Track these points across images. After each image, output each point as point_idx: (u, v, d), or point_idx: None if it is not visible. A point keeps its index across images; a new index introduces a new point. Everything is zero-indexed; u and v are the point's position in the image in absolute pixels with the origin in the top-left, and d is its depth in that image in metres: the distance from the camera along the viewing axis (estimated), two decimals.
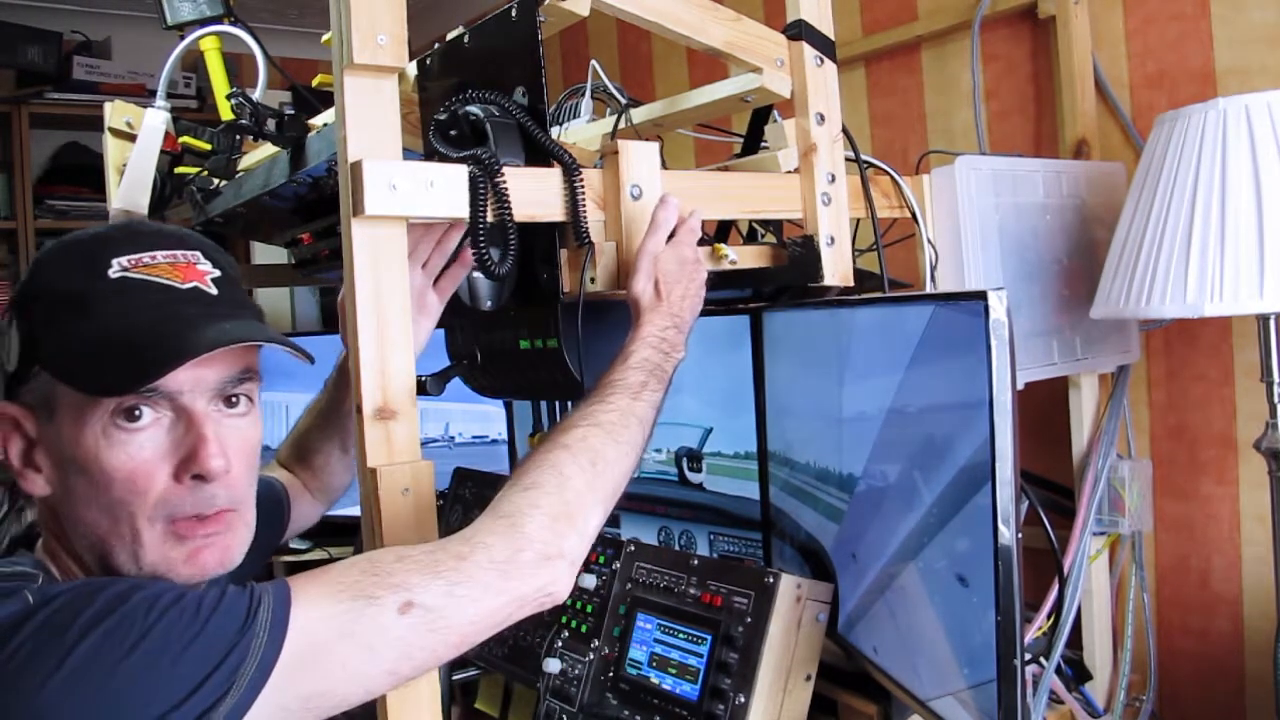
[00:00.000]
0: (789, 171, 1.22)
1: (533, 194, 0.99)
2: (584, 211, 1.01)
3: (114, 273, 0.80)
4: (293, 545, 2.74)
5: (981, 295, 0.92)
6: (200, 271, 0.84)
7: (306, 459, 1.33)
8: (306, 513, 1.32)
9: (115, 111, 1.78)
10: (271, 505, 1.22)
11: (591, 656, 1.35)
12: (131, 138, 1.67)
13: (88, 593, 0.70)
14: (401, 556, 0.79)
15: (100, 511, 0.79)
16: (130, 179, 1.58)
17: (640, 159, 1.03)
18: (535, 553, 0.82)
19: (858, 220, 1.30)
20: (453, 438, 2.34)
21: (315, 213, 1.54)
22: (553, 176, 1.01)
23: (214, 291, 0.84)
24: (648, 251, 1.02)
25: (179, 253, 0.83)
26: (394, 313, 0.90)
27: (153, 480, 0.79)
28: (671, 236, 1.05)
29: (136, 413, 0.78)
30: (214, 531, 0.82)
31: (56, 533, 0.84)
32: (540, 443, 0.92)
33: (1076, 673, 1.53)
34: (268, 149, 1.44)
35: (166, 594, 0.71)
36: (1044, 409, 1.61)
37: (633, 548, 1.40)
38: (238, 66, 1.89)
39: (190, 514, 0.81)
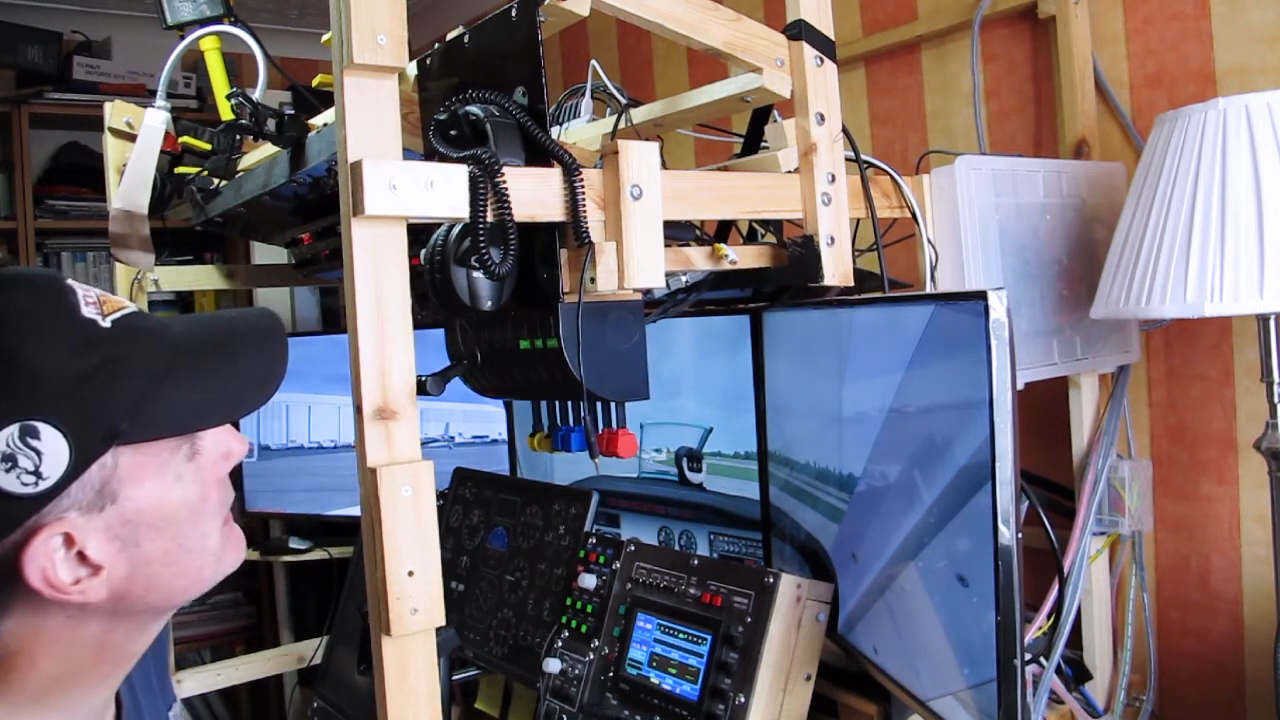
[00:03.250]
0: (789, 171, 1.22)
1: (533, 194, 0.99)
2: (584, 211, 1.01)
3: (105, 322, 0.73)
4: (293, 545, 2.74)
5: (981, 295, 0.92)
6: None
7: None
8: None
9: (115, 111, 1.79)
10: None
11: (591, 656, 1.35)
12: (131, 138, 1.67)
13: None
14: None
15: (182, 555, 0.77)
16: (130, 179, 1.58)
17: (640, 159, 1.03)
18: None
19: (858, 220, 1.30)
20: (453, 438, 2.34)
21: (315, 213, 1.54)
22: (553, 176, 1.01)
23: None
24: None
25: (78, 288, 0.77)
26: (394, 313, 0.90)
27: (222, 488, 0.81)
28: None
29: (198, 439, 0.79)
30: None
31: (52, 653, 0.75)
32: None
33: (1076, 673, 1.53)
34: (268, 149, 1.44)
35: None
36: (1044, 409, 1.62)
37: (633, 548, 1.40)
38: (238, 66, 1.89)
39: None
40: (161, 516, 0.75)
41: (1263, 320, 1.25)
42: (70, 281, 0.75)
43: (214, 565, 0.81)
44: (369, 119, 0.89)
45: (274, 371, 0.83)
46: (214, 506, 0.80)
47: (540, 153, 1.02)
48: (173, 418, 0.75)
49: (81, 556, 0.71)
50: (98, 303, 0.74)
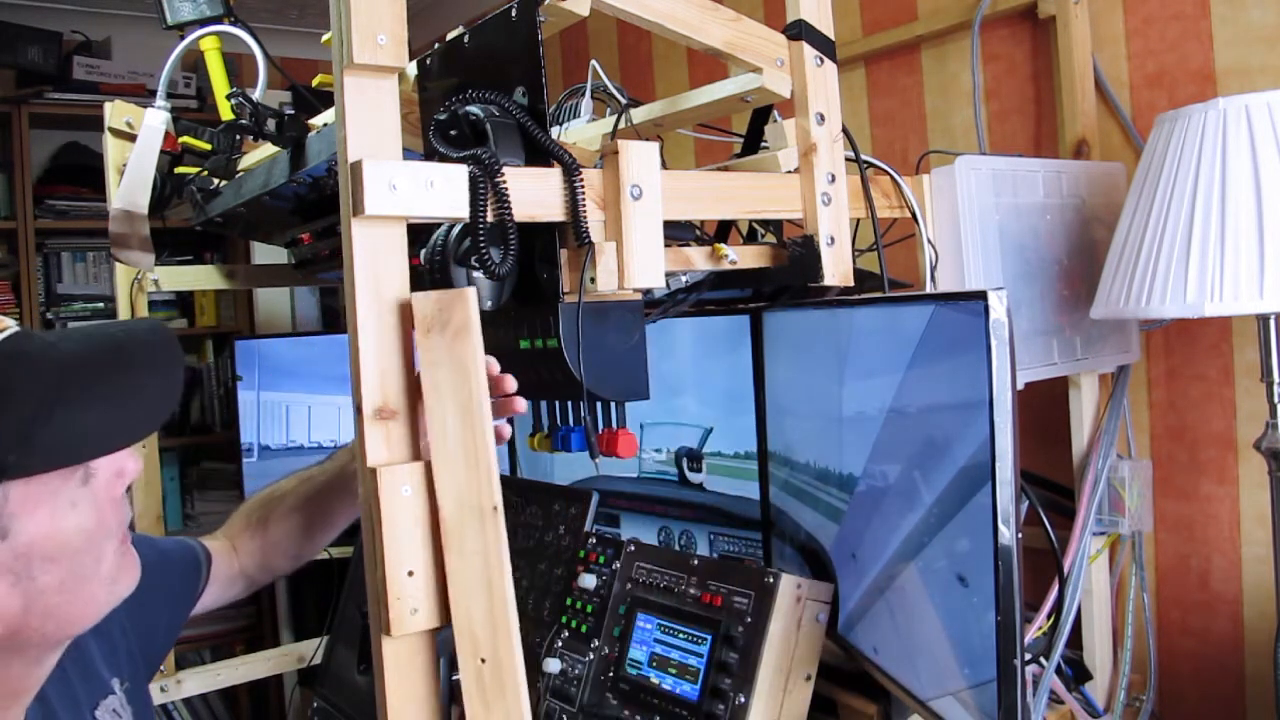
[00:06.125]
0: (789, 171, 1.22)
1: (533, 194, 0.99)
2: (584, 211, 1.01)
3: None
4: None
5: (981, 295, 0.92)
6: None
7: (267, 523, 1.23)
8: (217, 592, 1.20)
9: (115, 111, 1.79)
10: (185, 559, 1.15)
11: (591, 656, 1.35)
12: (131, 138, 1.67)
13: None
14: None
15: (78, 584, 0.75)
16: (130, 179, 1.58)
17: (640, 159, 1.03)
18: None
19: (858, 220, 1.30)
20: None
21: (315, 213, 1.54)
22: (553, 176, 1.01)
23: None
24: None
25: None
26: (394, 312, 0.90)
27: (117, 508, 0.79)
28: None
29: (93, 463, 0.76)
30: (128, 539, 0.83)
31: None
32: None
33: (1076, 673, 1.53)
34: (268, 149, 1.44)
35: None
36: (1044, 409, 1.61)
37: (633, 548, 1.40)
38: (238, 66, 1.89)
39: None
40: (56, 546, 0.72)
41: (1263, 320, 1.25)
42: None
43: (109, 590, 0.78)
44: (369, 119, 0.89)
45: (169, 389, 0.80)
46: (110, 529, 0.77)
47: (540, 153, 1.02)
48: (65, 447, 0.71)
49: None
50: None
